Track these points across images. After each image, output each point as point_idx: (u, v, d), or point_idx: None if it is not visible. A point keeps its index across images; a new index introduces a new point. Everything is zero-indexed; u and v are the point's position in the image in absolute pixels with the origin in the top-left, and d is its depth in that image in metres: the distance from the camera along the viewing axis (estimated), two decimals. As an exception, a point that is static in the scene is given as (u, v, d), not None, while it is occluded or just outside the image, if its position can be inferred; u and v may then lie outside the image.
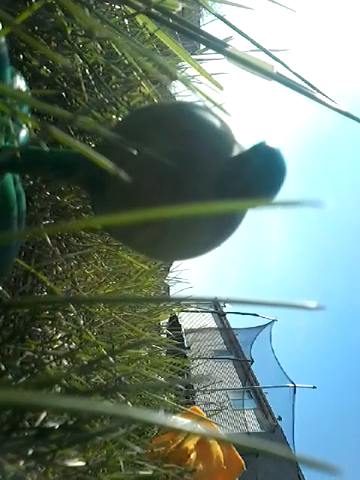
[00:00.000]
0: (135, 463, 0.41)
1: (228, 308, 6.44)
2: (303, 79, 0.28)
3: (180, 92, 0.79)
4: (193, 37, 0.27)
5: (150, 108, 0.28)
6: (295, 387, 6.00)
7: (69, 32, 0.39)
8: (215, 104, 0.30)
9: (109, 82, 0.46)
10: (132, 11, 0.35)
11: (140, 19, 0.35)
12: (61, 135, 0.14)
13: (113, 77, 0.46)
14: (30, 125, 0.25)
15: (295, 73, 0.28)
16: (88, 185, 0.25)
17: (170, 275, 1.01)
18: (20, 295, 0.41)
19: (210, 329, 6.90)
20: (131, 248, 0.36)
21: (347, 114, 0.27)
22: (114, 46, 0.41)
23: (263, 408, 6.19)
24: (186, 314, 5.45)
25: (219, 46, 0.27)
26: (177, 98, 0.79)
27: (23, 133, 0.25)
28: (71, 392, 0.32)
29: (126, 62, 0.44)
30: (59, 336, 0.42)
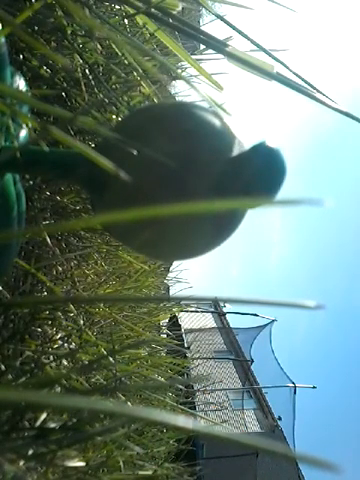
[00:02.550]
0: (135, 463, 0.41)
1: (228, 308, 6.44)
2: (303, 79, 0.28)
3: (180, 92, 0.79)
4: (193, 37, 0.27)
5: (150, 108, 0.28)
6: (295, 387, 5.99)
7: (69, 32, 0.39)
8: (215, 104, 0.30)
9: (109, 82, 0.46)
10: (132, 11, 0.35)
11: (140, 19, 0.35)
12: (61, 135, 0.14)
13: (113, 77, 0.46)
14: (30, 125, 0.25)
15: (295, 73, 0.28)
16: (88, 185, 0.25)
17: (170, 275, 1.01)
18: (20, 295, 0.41)
19: (210, 329, 6.90)
20: (131, 248, 0.37)
21: (347, 114, 0.27)
22: (114, 46, 0.41)
23: (263, 408, 6.19)
24: (186, 314, 5.45)
25: (219, 46, 0.27)
26: (177, 98, 0.79)
27: (23, 133, 0.25)
28: (71, 392, 0.32)
29: (126, 62, 0.44)
30: (59, 336, 0.42)
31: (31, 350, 0.36)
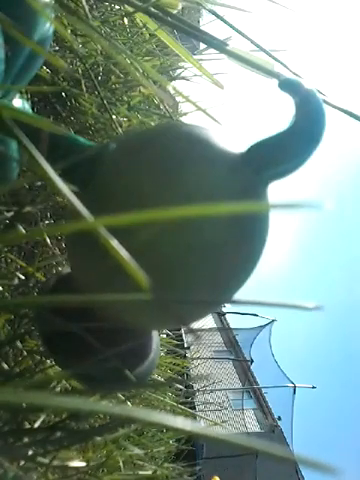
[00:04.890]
0: (135, 463, 0.41)
1: (228, 308, 6.44)
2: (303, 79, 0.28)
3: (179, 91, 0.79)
4: (194, 36, 0.27)
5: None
6: (295, 387, 6.00)
7: (69, 32, 0.39)
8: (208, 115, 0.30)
9: (109, 82, 0.46)
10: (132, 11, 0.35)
11: (140, 19, 0.35)
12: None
13: (113, 77, 0.46)
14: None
15: (295, 73, 0.28)
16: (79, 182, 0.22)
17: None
18: (20, 295, 0.41)
19: (210, 329, 6.90)
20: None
21: (346, 112, 0.27)
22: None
23: (263, 408, 6.19)
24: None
25: (220, 44, 0.27)
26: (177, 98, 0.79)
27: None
28: (71, 392, 0.32)
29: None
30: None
31: (31, 350, 0.36)
